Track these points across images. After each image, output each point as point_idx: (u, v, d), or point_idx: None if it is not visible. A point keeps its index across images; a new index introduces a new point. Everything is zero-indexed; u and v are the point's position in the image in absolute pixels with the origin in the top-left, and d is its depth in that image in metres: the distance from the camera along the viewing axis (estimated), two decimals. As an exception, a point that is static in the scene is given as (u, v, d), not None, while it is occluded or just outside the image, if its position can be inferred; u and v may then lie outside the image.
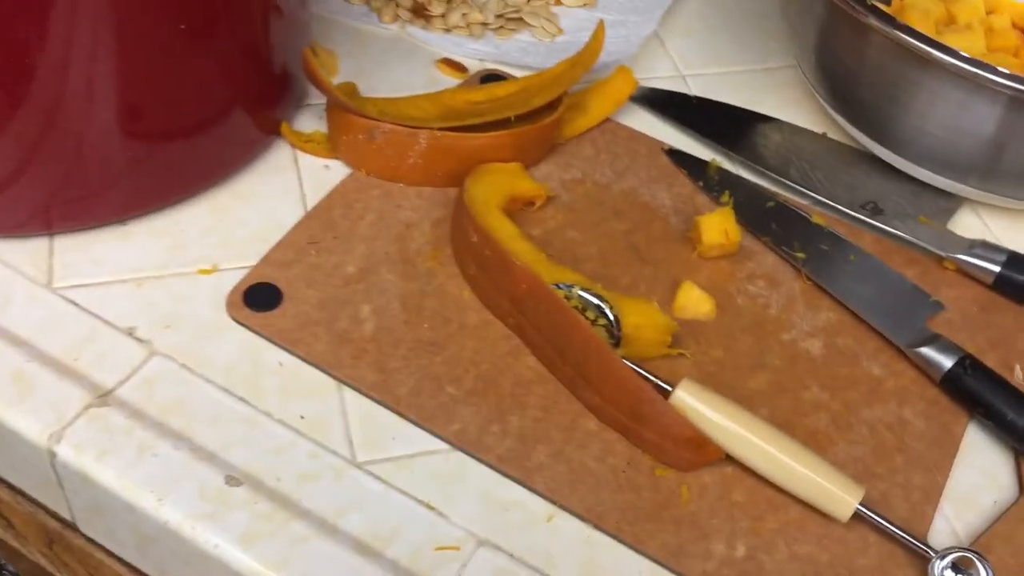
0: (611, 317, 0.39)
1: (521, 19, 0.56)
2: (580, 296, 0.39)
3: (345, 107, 0.46)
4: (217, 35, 0.42)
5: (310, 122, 0.49)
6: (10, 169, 0.40)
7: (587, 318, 0.39)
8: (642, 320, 0.39)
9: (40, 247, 0.42)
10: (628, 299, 0.40)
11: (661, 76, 0.55)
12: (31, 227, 0.42)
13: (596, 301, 0.39)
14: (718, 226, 0.44)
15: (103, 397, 0.38)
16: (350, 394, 0.39)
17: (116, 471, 0.36)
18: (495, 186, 0.44)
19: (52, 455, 0.36)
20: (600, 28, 0.50)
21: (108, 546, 0.39)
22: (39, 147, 0.40)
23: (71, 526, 0.45)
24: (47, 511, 0.45)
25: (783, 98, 0.54)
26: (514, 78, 0.52)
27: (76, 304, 0.40)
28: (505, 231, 0.42)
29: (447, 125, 0.46)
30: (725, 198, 0.47)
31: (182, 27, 0.40)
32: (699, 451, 0.37)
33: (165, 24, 0.39)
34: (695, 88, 0.54)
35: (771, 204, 0.47)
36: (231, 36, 0.43)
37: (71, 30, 0.38)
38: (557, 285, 0.39)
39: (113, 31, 0.38)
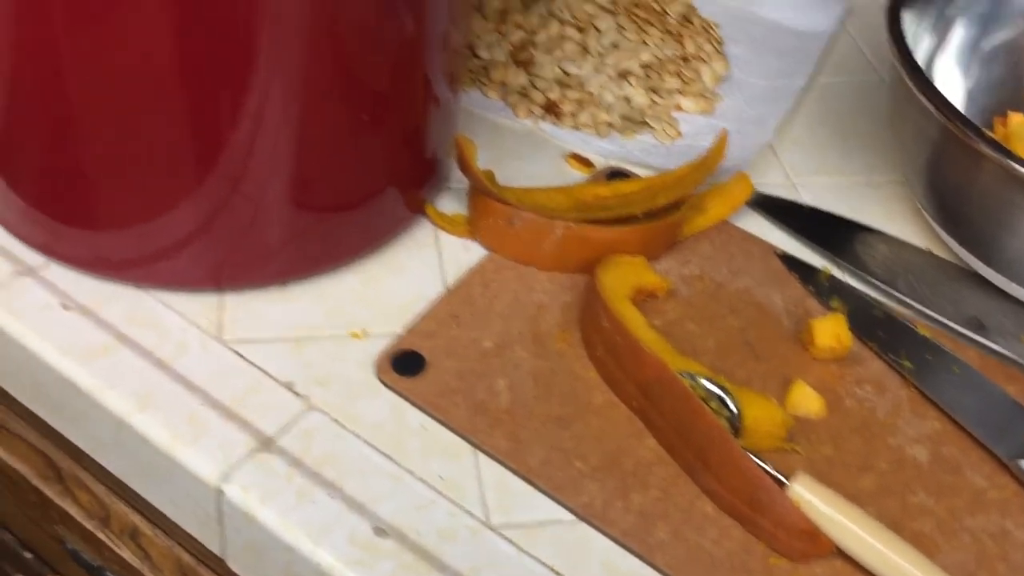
0: (733, 409, 0.42)
1: (644, 122, 0.60)
2: (705, 386, 0.42)
3: (489, 194, 0.50)
4: (387, 123, 0.47)
5: (451, 204, 0.54)
6: (192, 229, 0.45)
7: (710, 408, 0.42)
8: (761, 414, 0.42)
9: (212, 302, 0.46)
10: (748, 393, 0.43)
11: (773, 183, 0.58)
12: (206, 283, 0.47)
13: (720, 392, 0.42)
14: (831, 331, 0.47)
15: (266, 444, 0.41)
16: (485, 459, 0.42)
17: (277, 513, 0.39)
18: (623, 277, 0.48)
19: (220, 493, 0.40)
20: (724, 137, 0.54)
21: (254, 583, 0.43)
22: (221, 212, 0.45)
23: (206, 563, 0.49)
24: (184, 546, 0.49)
25: (889, 211, 0.57)
26: (638, 177, 0.56)
27: (243, 357, 0.45)
28: (634, 320, 0.45)
29: (579, 217, 0.50)
30: (835, 303, 0.50)
31: (364, 117, 0.44)
32: (813, 543, 0.39)
33: (348, 112, 0.44)
34: (805, 196, 0.58)
35: (878, 313, 0.50)
36: (398, 124, 0.48)
37: (264, 111, 0.42)
38: (683, 374, 0.42)
39: (302, 116, 0.43)
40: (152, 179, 0.44)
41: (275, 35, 0.40)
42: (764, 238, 0.54)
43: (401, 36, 0.44)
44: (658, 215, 0.52)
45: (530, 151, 0.58)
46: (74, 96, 0.42)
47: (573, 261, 0.50)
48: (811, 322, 0.47)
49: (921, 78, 0.50)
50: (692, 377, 0.42)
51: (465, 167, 0.51)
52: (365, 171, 0.48)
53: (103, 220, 0.46)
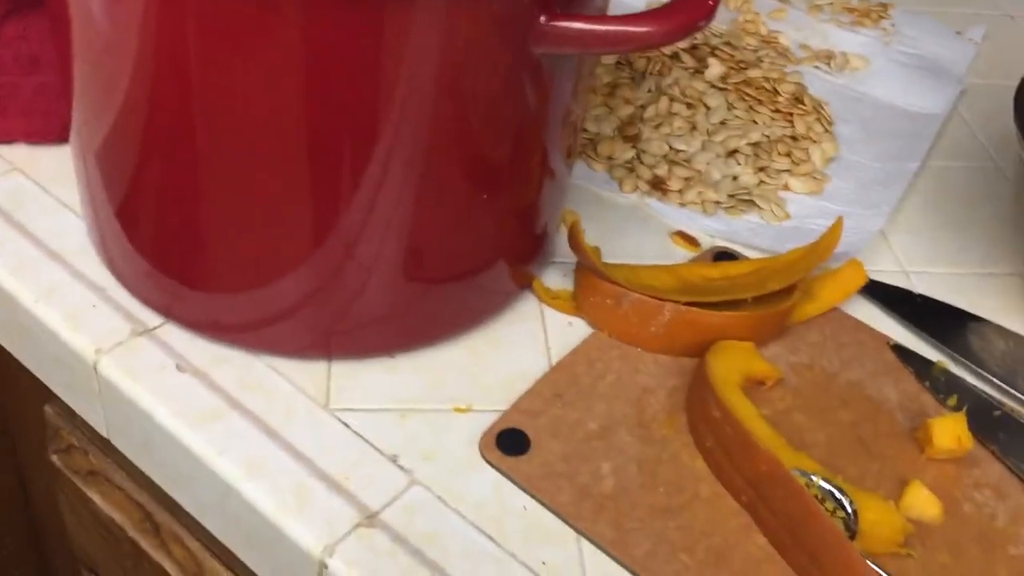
0: (849, 511, 0.40)
1: (751, 201, 0.60)
2: (820, 486, 0.41)
3: (597, 272, 0.50)
4: (503, 197, 0.47)
5: (556, 279, 0.54)
6: (304, 296, 0.46)
7: (826, 508, 0.40)
8: (879, 517, 0.41)
9: (319, 370, 0.47)
10: (865, 494, 0.42)
11: (884, 270, 0.57)
12: (313, 351, 0.47)
13: (836, 493, 0.41)
14: (951, 431, 0.45)
15: (370, 519, 0.41)
16: (588, 547, 0.42)
17: (380, 591, 0.39)
18: (733, 363, 0.47)
19: (323, 567, 0.40)
20: (839, 223, 0.53)
21: (348, 657, 0.42)
22: (333, 280, 0.45)
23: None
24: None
25: (1006, 305, 0.55)
26: (746, 258, 0.55)
27: (348, 426, 0.45)
28: (746, 410, 0.44)
29: (687, 299, 0.49)
30: (953, 402, 0.48)
31: (481, 192, 0.45)
32: (932, 659, 0.37)
33: (466, 186, 0.45)
34: (918, 286, 0.56)
35: (998, 413, 0.48)
36: (514, 198, 0.48)
37: (383, 183, 0.43)
38: (797, 471, 0.41)
39: (419, 188, 0.43)
40: (269, 245, 0.45)
41: (399, 109, 0.41)
42: (876, 328, 0.53)
43: (524, 112, 0.45)
44: (768, 300, 0.51)
45: (635, 227, 0.58)
46: (199, 159, 0.43)
47: (680, 344, 0.49)
48: (929, 421, 0.46)
49: (1049, 172, 0.48)
50: (807, 475, 0.41)
51: (575, 245, 0.51)
52: (477, 245, 0.48)
53: (220, 283, 0.47)
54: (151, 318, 0.48)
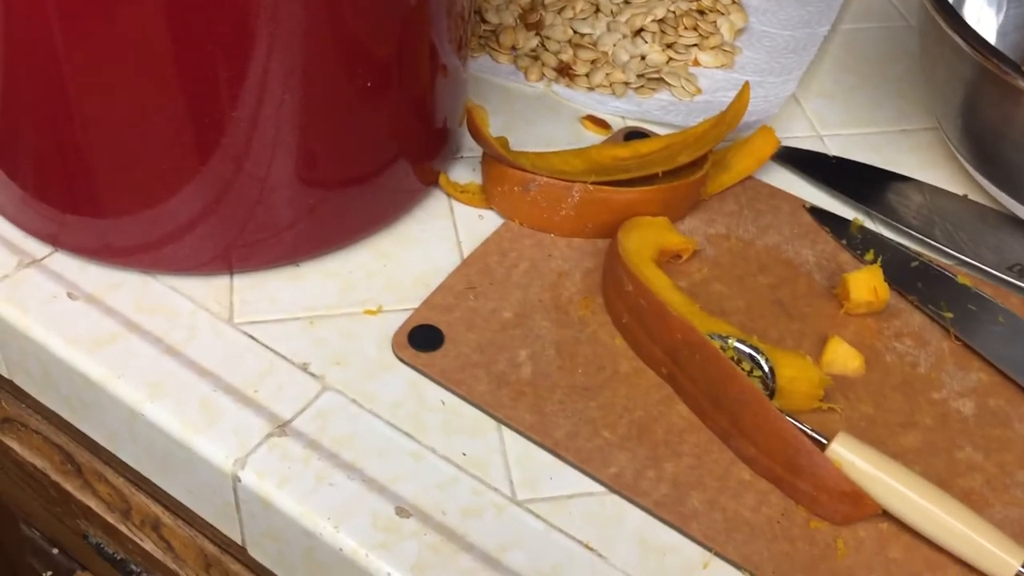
0: (766, 369, 0.40)
1: (661, 79, 0.58)
2: (736, 347, 0.40)
3: (503, 160, 0.48)
4: (393, 92, 0.45)
5: (464, 173, 0.52)
6: (198, 212, 0.44)
7: (742, 369, 0.40)
8: (796, 373, 0.40)
9: (222, 285, 0.45)
10: (782, 352, 0.41)
11: (799, 136, 0.56)
12: (214, 267, 0.45)
13: (752, 352, 0.40)
14: (867, 284, 0.45)
15: (282, 427, 0.40)
16: (509, 434, 0.41)
17: (295, 499, 0.38)
18: (646, 239, 0.46)
19: (236, 480, 0.39)
20: (745, 89, 0.51)
21: (277, 571, 0.41)
22: (226, 193, 0.44)
23: (229, 551, 0.47)
24: (206, 535, 0.48)
25: (922, 159, 0.55)
26: (657, 135, 0.54)
27: (255, 339, 0.43)
28: (659, 281, 0.43)
29: (597, 180, 0.48)
30: (870, 256, 0.48)
31: (368, 84, 0.43)
32: (856, 506, 0.37)
33: (351, 82, 0.43)
34: (833, 149, 0.55)
35: (916, 264, 0.48)
36: (404, 93, 0.46)
37: (264, 85, 0.41)
38: (712, 336, 0.40)
39: (304, 87, 0.41)
40: (154, 162, 0.42)
41: (268, 6, 0.39)
42: (792, 193, 0.52)
43: (402, 2, 0.43)
44: (680, 174, 0.50)
45: (544, 115, 0.56)
46: (71, 82, 0.41)
47: (593, 225, 0.48)
48: (845, 276, 0.45)
49: (953, 16, 0.47)
50: (722, 338, 0.40)
51: (477, 134, 0.49)
52: (373, 143, 0.46)
53: (107, 207, 0.44)
54: (38, 248, 0.46)
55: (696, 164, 0.50)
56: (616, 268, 0.44)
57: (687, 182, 0.49)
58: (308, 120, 0.43)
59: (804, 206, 0.51)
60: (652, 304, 0.42)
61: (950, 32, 0.47)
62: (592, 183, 0.47)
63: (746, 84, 0.52)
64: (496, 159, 0.49)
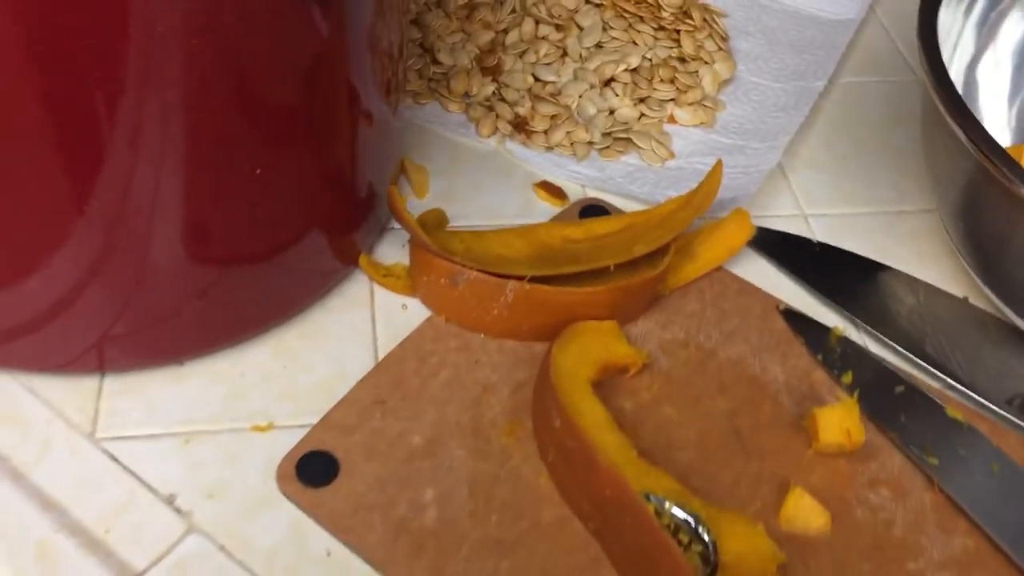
0: (707, 541, 0.33)
1: (629, 139, 0.51)
2: (672, 515, 0.34)
3: (429, 249, 0.42)
4: (299, 149, 0.38)
5: (392, 250, 0.45)
6: (61, 294, 0.37)
7: (680, 540, 0.33)
8: (744, 547, 0.34)
9: (89, 388, 0.39)
10: (729, 517, 0.35)
11: (781, 215, 0.49)
12: (80, 365, 0.39)
13: (691, 521, 0.34)
14: (839, 424, 0.38)
15: (131, 582, 0.34)
16: (403, 597, 0.35)
17: None
18: (586, 353, 0.39)
19: (69, 649, 0.33)
20: (718, 169, 0.44)
21: None
22: (96, 273, 0.37)
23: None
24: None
25: (919, 249, 0.48)
26: (617, 214, 0.47)
27: (117, 460, 0.37)
28: (593, 415, 0.37)
29: (539, 273, 0.41)
30: (848, 379, 0.41)
31: (268, 139, 0.36)
32: None
33: (245, 137, 0.35)
34: (819, 232, 0.48)
35: (901, 389, 0.41)
36: (314, 150, 0.39)
37: (138, 140, 0.33)
38: (648, 496, 0.34)
39: (187, 142, 0.34)
40: (9, 233, 0.36)
41: (141, 52, 0.32)
42: (767, 287, 0.45)
43: (309, 42, 0.36)
44: (637, 266, 0.43)
45: (493, 178, 0.50)
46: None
47: (528, 327, 0.42)
48: (815, 411, 0.39)
49: (953, 97, 0.40)
50: (659, 500, 0.34)
51: (397, 215, 0.42)
52: (279, 214, 0.39)
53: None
54: None
55: (658, 254, 0.43)
56: (545, 395, 0.38)
57: (642, 280, 0.42)
58: (194, 183, 0.36)
59: (778, 308, 0.44)
60: (581, 447, 0.35)
61: (948, 119, 0.40)
62: (529, 280, 0.41)
63: (718, 163, 0.45)
64: (423, 248, 0.42)
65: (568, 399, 0.37)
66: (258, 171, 0.36)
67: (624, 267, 0.43)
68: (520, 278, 0.41)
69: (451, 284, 0.41)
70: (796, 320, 0.44)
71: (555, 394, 0.37)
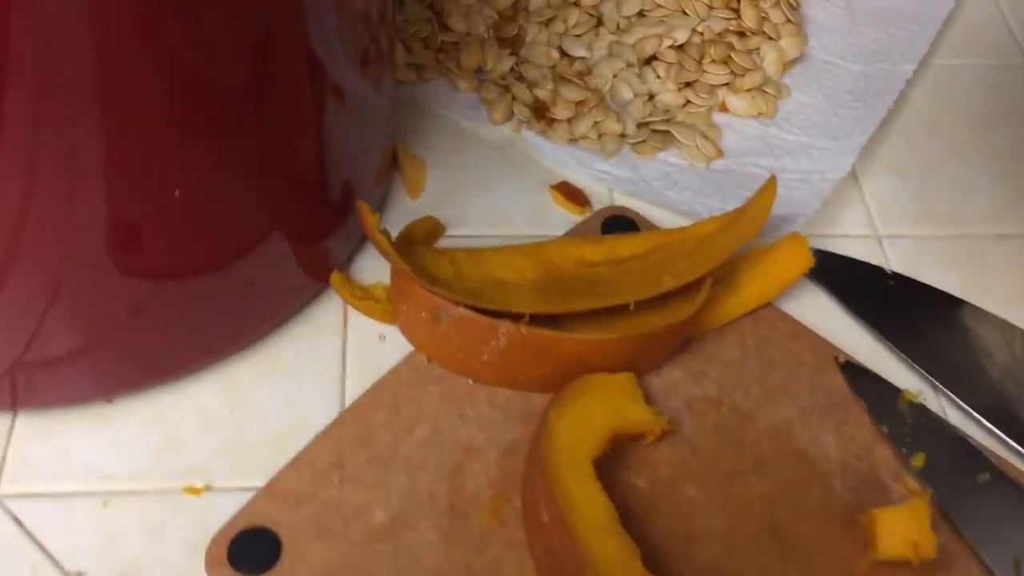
0: None
1: (669, 132, 0.43)
2: (680, 658, 0.27)
3: (407, 275, 0.34)
4: (251, 133, 0.30)
5: (375, 265, 0.38)
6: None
7: None
8: None
9: (-3, 431, 0.33)
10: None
11: (848, 234, 0.41)
12: (-11, 402, 0.33)
13: (703, 669, 0.27)
14: (904, 532, 0.30)
15: None
16: None
17: None
18: (591, 419, 0.32)
19: None
20: (770, 188, 0.36)
21: None
22: (4, 286, 0.30)
23: None
24: None
25: (1019, 286, 0.39)
26: (647, 229, 0.39)
27: (21, 524, 0.31)
28: (591, 511, 0.29)
29: (542, 310, 0.34)
30: (920, 461, 0.33)
31: (211, 122, 0.28)
32: None
33: (184, 116, 0.28)
34: (894, 257, 0.40)
35: (986, 478, 0.33)
36: (272, 136, 0.31)
37: (45, 124, 0.26)
38: (650, 627, 0.27)
39: (109, 120, 0.27)
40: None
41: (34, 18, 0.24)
42: (824, 331, 0.37)
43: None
44: (665, 303, 0.35)
45: (504, 174, 0.42)
46: None
47: (526, 377, 0.34)
48: (875, 513, 0.31)
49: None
50: (663, 635, 0.27)
51: (366, 231, 0.35)
52: (225, 211, 0.32)
53: None
54: None
55: (690, 287, 0.35)
56: (536, 474, 0.30)
57: (668, 327, 0.34)
58: (122, 172, 0.28)
59: (836, 359, 0.36)
60: (570, 556, 0.28)
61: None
62: (528, 321, 0.33)
63: (771, 180, 0.36)
64: (401, 272, 0.35)
65: (561, 487, 0.29)
66: (212, 121, 0.28)
67: (644, 305, 0.35)
68: (518, 316, 0.33)
69: (433, 319, 0.34)
70: (858, 376, 0.35)
71: (546, 478, 0.29)
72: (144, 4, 0.26)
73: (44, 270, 0.30)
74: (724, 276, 0.37)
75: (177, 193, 0.30)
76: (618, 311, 0.35)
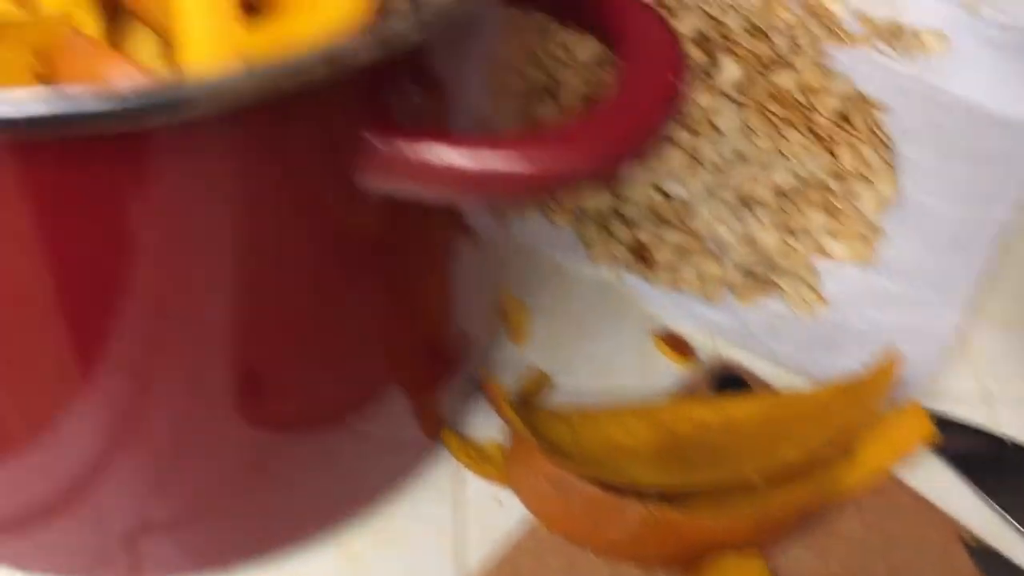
0: None
1: (771, 279, 0.42)
2: None
3: (528, 444, 0.33)
4: (374, 288, 0.29)
5: (482, 418, 0.37)
6: (67, 485, 0.29)
7: None
8: None
9: (107, 607, 0.32)
10: None
11: (954, 392, 0.40)
12: (97, 570, 0.32)
13: None
14: None
15: None
16: None
17: None
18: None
19: None
20: (888, 371, 0.35)
21: None
22: (119, 441, 0.29)
23: None
24: None
25: None
26: (759, 387, 0.38)
27: None
28: None
29: (668, 482, 0.33)
30: (1056, 656, 0.32)
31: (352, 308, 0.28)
32: None
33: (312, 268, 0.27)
34: (1009, 420, 0.39)
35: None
36: (392, 288, 0.30)
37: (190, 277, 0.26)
38: None
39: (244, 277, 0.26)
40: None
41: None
42: (947, 504, 0.36)
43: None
44: (787, 471, 0.34)
45: (605, 319, 0.41)
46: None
47: (656, 555, 0.33)
48: None
49: None
50: None
51: (496, 408, 0.34)
52: (350, 367, 0.30)
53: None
54: None
55: (814, 462, 0.35)
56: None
57: (796, 504, 0.33)
58: (255, 335, 0.27)
59: (962, 538, 0.35)
60: None
61: None
62: (656, 501, 0.32)
63: (891, 360, 0.36)
64: (524, 441, 0.34)
65: None
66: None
67: (766, 476, 0.34)
68: (643, 492, 0.32)
69: (556, 491, 0.33)
70: (987, 560, 0.35)
71: None
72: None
73: (168, 426, 0.29)
74: (840, 444, 0.36)
75: (309, 348, 0.29)
76: (740, 480, 0.34)
